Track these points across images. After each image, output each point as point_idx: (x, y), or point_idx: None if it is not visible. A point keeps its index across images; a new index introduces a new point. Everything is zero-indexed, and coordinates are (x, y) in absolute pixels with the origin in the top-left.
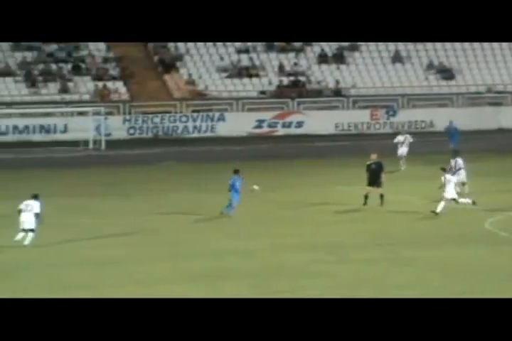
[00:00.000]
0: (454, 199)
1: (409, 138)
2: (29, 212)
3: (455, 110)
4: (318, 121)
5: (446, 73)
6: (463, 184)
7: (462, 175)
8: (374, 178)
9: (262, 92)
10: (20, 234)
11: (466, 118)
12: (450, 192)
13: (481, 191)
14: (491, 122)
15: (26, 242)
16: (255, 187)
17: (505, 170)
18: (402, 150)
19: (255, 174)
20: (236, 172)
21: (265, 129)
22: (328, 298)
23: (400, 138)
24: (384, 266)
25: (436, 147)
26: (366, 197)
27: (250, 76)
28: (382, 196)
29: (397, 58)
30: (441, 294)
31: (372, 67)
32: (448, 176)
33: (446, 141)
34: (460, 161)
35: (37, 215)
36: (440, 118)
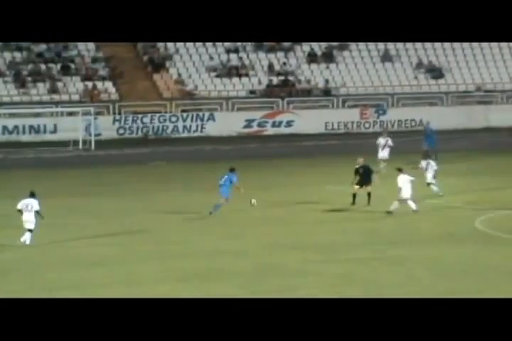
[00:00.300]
0: (406, 200)
1: (390, 142)
2: (30, 211)
3: (444, 109)
4: (308, 121)
5: (436, 72)
6: (428, 184)
7: (430, 174)
8: (364, 179)
9: (252, 92)
10: (27, 234)
11: (455, 117)
12: (406, 192)
13: (470, 190)
14: (480, 121)
15: (27, 242)
16: (253, 201)
17: (494, 169)
18: (383, 154)
19: (245, 173)
20: (232, 170)
21: (255, 129)
22: (318, 298)
23: (381, 140)
24: (373, 265)
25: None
26: (354, 196)
27: (240, 75)
28: (369, 194)
29: (386, 57)
30: (431, 293)
31: (362, 66)
32: (405, 177)
33: (420, 140)
34: (433, 163)
35: (37, 213)
36: (430, 117)
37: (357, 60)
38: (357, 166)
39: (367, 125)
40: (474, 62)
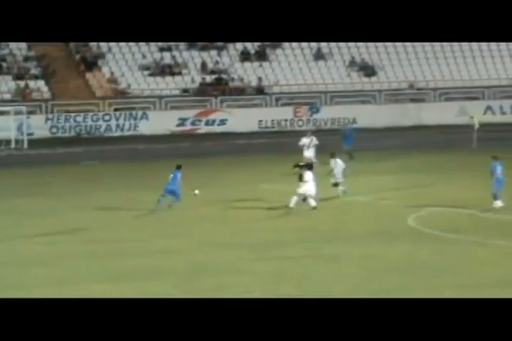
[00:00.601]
0: (305, 196)
1: (315, 141)
2: None
3: (377, 107)
4: (241, 119)
5: (368, 70)
6: (334, 185)
7: (338, 175)
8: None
9: (185, 90)
10: None
11: (388, 115)
12: (304, 188)
13: (402, 187)
14: (412, 119)
15: None
16: (196, 191)
17: (425, 166)
18: (309, 154)
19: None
20: (179, 167)
21: (188, 127)
22: (252, 297)
23: (305, 140)
24: (306, 263)
25: (359, 143)
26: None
27: (173, 74)
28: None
29: (319, 55)
30: (363, 291)
31: (295, 64)
32: (308, 173)
33: (340, 140)
34: (340, 162)
35: None
36: (363, 114)
37: (290, 58)
38: (301, 163)
39: (300, 123)
40: (407, 60)
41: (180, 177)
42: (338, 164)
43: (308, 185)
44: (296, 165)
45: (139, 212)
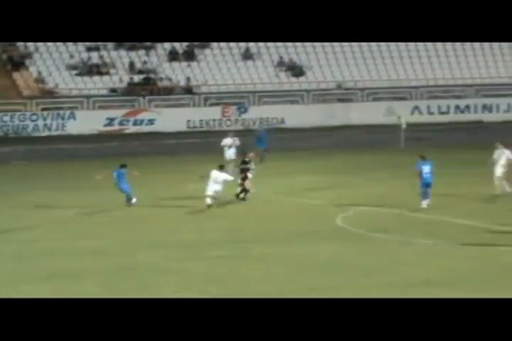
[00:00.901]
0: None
1: (237, 141)
2: None
3: (305, 106)
4: (170, 119)
5: (296, 70)
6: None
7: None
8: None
9: (113, 90)
10: None
11: (316, 115)
12: (210, 189)
13: (331, 187)
14: (340, 118)
15: None
16: (204, 176)
17: (354, 166)
18: (230, 154)
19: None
20: (123, 166)
21: (116, 127)
22: (179, 297)
23: (227, 140)
24: (235, 263)
25: (288, 144)
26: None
27: (100, 74)
28: (243, 190)
29: (247, 55)
30: (289, 290)
31: (223, 64)
32: (216, 174)
33: (254, 143)
34: (252, 164)
35: None
36: (291, 114)
37: (218, 58)
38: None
39: (228, 123)
40: (335, 60)
41: (125, 175)
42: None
43: (212, 185)
44: (241, 163)
45: (68, 211)
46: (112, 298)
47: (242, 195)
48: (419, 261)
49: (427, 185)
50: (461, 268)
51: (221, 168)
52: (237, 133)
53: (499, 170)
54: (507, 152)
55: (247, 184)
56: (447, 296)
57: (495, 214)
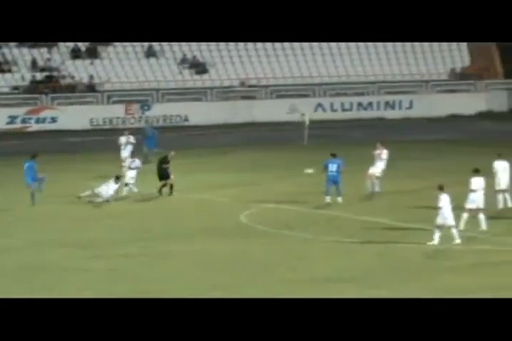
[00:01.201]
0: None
1: (132, 139)
2: None
3: (209, 104)
4: (72, 117)
5: (200, 67)
6: (126, 184)
7: (131, 174)
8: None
9: (15, 88)
10: None
11: (220, 112)
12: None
13: (235, 184)
14: (244, 116)
15: None
16: (309, 170)
17: (258, 164)
18: (125, 153)
19: (6, 171)
20: (34, 157)
21: (18, 125)
22: (84, 297)
23: (122, 139)
24: (141, 261)
25: (192, 141)
26: (160, 189)
27: (3, 71)
28: (171, 186)
29: (150, 53)
30: (195, 289)
31: (126, 61)
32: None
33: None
34: (138, 161)
35: None
36: (194, 112)
37: (121, 56)
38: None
39: (132, 120)
40: (238, 58)
41: (33, 168)
42: (135, 163)
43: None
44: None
45: None
46: (15, 297)
47: (167, 191)
48: (323, 257)
49: (334, 182)
50: (364, 265)
51: (117, 178)
52: (133, 132)
53: (377, 170)
54: (384, 151)
55: (172, 179)
56: (350, 292)
57: (397, 210)
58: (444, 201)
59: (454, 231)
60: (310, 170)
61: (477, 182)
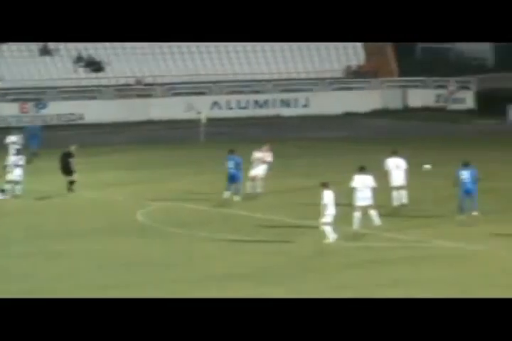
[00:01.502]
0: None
1: (20, 139)
2: None
3: (104, 102)
4: None
5: (95, 65)
6: (10, 182)
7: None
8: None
9: None
10: None
11: (116, 111)
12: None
13: (132, 182)
14: (140, 114)
15: None
16: (427, 166)
17: (155, 162)
18: (13, 152)
19: None
20: None
21: None
22: None
23: (12, 138)
24: (34, 261)
25: (87, 140)
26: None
27: None
28: (72, 182)
29: (45, 51)
30: (92, 288)
31: (21, 59)
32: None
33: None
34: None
35: None
36: (90, 110)
37: (15, 54)
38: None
39: (27, 119)
40: (134, 56)
41: None
42: (21, 161)
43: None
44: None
45: None
46: None
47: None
48: (220, 255)
49: (231, 179)
50: (260, 262)
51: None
52: (19, 131)
53: (260, 172)
54: (268, 154)
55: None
56: (245, 290)
57: (291, 208)
58: (327, 198)
59: (328, 228)
60: (428, 166)
61: (361, 180)
